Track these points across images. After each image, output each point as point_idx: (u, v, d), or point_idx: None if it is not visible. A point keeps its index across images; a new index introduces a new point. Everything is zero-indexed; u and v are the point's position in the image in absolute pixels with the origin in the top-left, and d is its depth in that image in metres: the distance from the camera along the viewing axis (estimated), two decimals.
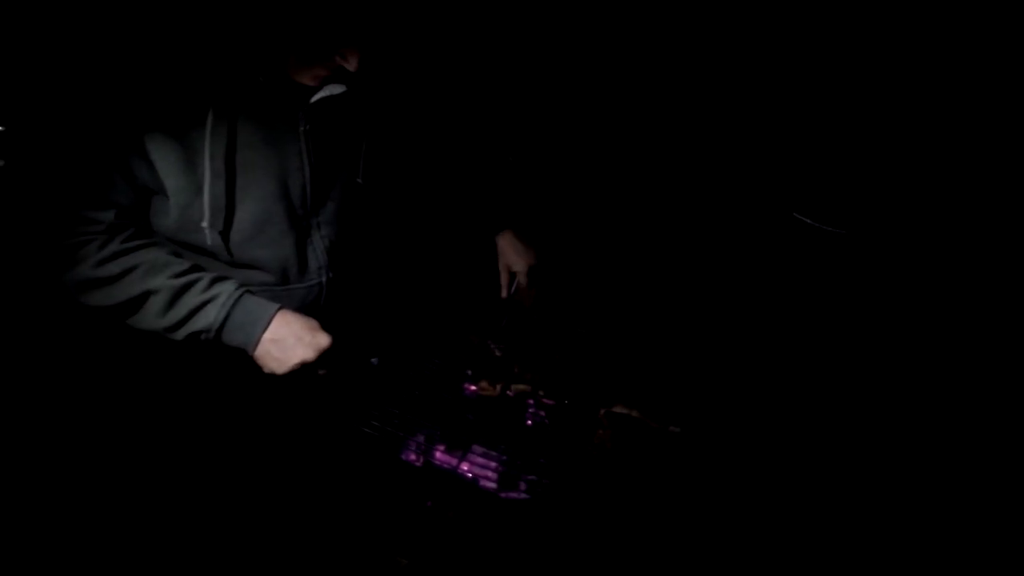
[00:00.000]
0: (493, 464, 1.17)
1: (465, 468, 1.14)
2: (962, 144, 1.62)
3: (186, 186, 0.85)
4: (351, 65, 0.80)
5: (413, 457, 1.16)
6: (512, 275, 1.37)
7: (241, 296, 0.93)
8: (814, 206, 1.83)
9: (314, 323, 0.98)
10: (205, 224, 0.88)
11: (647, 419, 1.41)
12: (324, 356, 0.97)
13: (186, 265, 0.92)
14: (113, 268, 0.87)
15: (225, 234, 0.91)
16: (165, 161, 0.83)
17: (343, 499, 1.05)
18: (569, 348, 1.56)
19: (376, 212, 1.14)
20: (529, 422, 1.30)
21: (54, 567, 0.95)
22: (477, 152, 1.39)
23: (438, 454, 1.17)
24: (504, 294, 1.36)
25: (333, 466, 1.10)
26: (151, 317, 0.89)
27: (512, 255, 1.33)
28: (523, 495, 1.10)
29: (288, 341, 0.94)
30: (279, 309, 0.95)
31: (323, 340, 0.96)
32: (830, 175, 1.82)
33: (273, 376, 0.97)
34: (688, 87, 1.86)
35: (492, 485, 1.12)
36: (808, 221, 1.86)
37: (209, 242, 0.91)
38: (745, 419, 1.49)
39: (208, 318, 0.91)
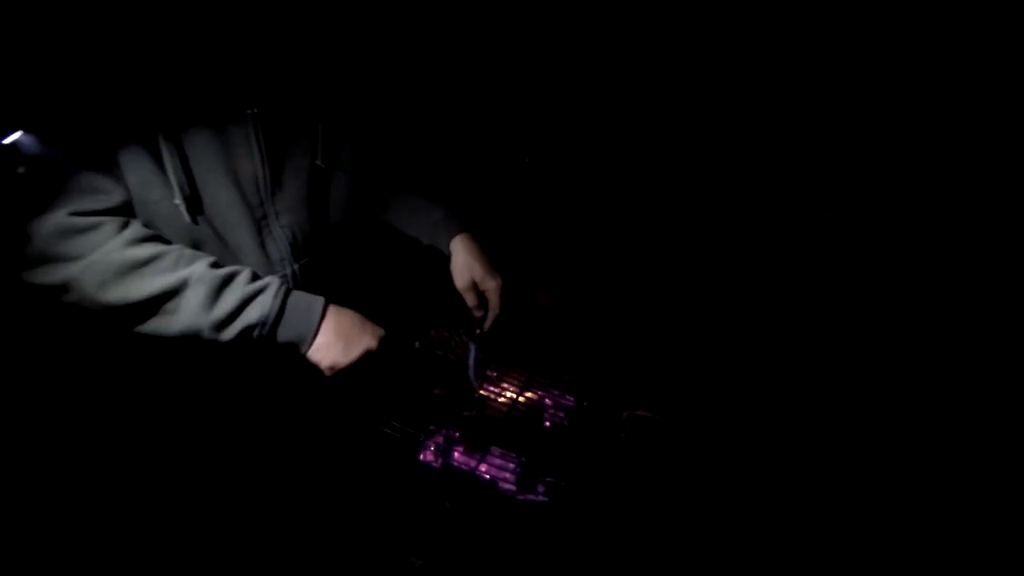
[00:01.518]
0: (511, 466, 1.15)
1: (483, 470, 1.14)
2: (964, 136, 1.56)
3: (150, 168, 0.81)
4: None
5: (431, 458, 1.15)
6: (480, 293, 1.18)
7: (289, 289, 0.90)
8: (825, 200, 1.79)
9: (360, 315, 0.96)
10: (179, 200, 0.83)
11: (669, 423, 1.38)
12: (383, 344, 0.95)
13: (213, 256, 0.88)
14: (142, 251, 0.80)
15: (197, 216, 0.87)
16: (127, 152, 0.79)
17: (361, 499, 1.05)
18: (589, 350, 1.54)
19: (341, 197, 1.06)
20: (547, 423, 1.28)
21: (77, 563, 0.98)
22: (441, 144, 1.32)
23: (456, 455, 1.17)
24: (477, 315, 1.18)
25: (352, 466, 1.10)
26: (193, 312, 0.81)
27: (480, 270, 1.13)
28: (541, 497, 1.09)
29: (351, 332, 0.91)
30: (327, 300, 0.92)
31: (379, 328, 0.95)
32: (837, 168, 1.77)
33: (333, 370, 0.92)
34: (692, 82, 1.83)
35: (510, 487, 1.11)
36: (827, 215, 1.81)
37: (185, 219, 0.85)
38: (762, 420, 1.45)
39: (263, 308, 0.85)
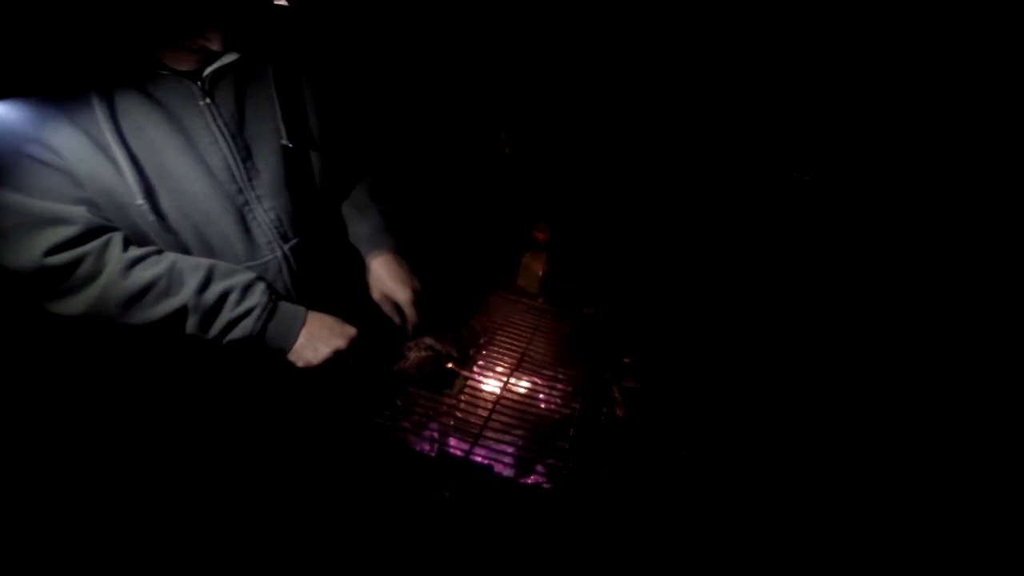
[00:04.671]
0: (509, 450, 1.15)
1: (479, 456, 1.13)
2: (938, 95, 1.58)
3: (105, 174, 0.82)
4: (215, 45, 0.78)
5: (427, 448, 1.14)
6: (394, 304, 1.20)
7: (275, 307, 0.97)
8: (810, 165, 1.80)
9: (339, 319, 1.03)
10: (141, 201, 0.85)
11: (657, 392, 1.40)
12: (354, 344, 1.02)
13: (203, 269, 0.91)
14: (136, 280, 0.86)
15: (160, 213, 0.88)
16: (75, 157, 0.80)
17: (363, 496, 1.03)
18: (577, 324, 1.53)
19: (318, 175, 1.08)
20: (542, 405, 1.28)
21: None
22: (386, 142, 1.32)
23: (452, 442, 1.15)
24: (397, 322, 1.21)
25: (349, 462, 1.08)
26: (189, 330, 0.91)
27: (389, 284, 1.16)
28: (544, 482, 1.09)
29: (322, 334, 1.00)
30: (308, 311, 1.01)
31: (351, 330, 1.03)
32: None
33: (307, 367, 1.00)
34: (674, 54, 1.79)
35: (509, 472, 1.10)
36: (806, 179, 1.83)
37: (151, 218, 0.87)
38: (747, 387, 1.49)
39: (245, 329, 0.94)
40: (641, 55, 1.83)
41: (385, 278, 1.16)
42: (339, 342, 1.00)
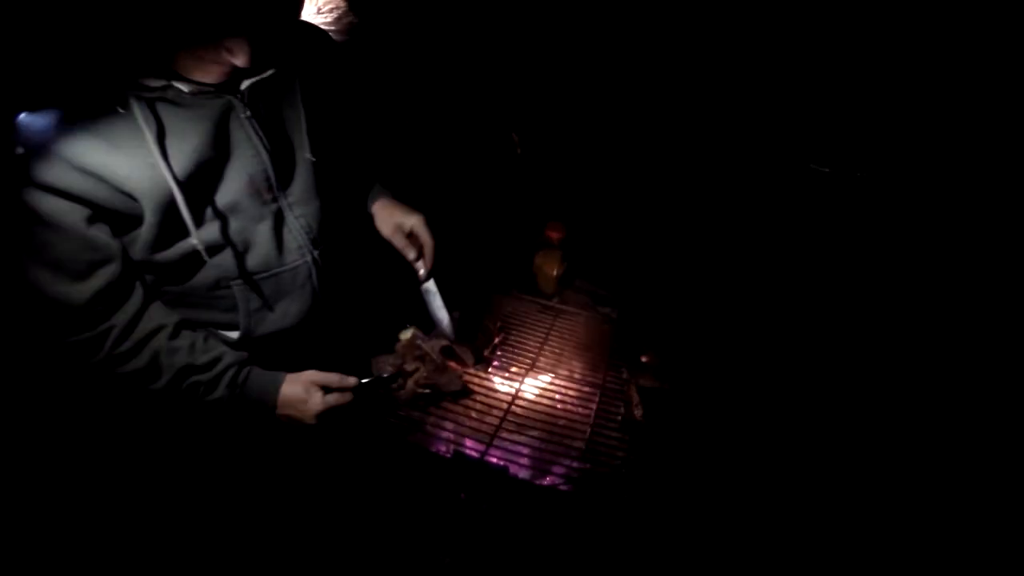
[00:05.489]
0: (524, 451, 1.14)
1: (494, 457, 1.12)
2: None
3: (160, 205, 0.84)
4: (241, 60, 0.79)
5: (443, 448, 1.13)
6: (408, 235, 1.18)
7: (241, 391, 0.96)
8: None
9: (305, 383, 0.98)
10: (195, 241, 0.87)
11: (676, 392, 1.37)
12: (330, 411, 0.98)
13: (178, 362, 0.92)
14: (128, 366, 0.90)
15: (198, 219, 0.89)
16: (136, 190, 0.81)
17: (379, 497, 1.03)
18: (594, 324, 1.52)
19: (342, 186, 1.12)
20: (558, 406, 1.27)
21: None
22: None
23: (467, 442, 1.15)
24: (411, 257, 1.17)
25: (362, 462, 1.08)
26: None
27: (399, 212, 1.18)
28: (560, 483, 1.08)
29: (294, 416, 0.99)
30: (278, 395, 0.98)
31: (314, 405, 0.97)
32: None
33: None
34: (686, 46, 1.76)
35: (524, 473, 1.10)
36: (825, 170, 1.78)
37: (207, 257, 0.90)
38: (769, 389, 1.45)
39: (218, 406, 0.96)
40: (655, 48, 1.81)
41: (393, 210, 1.19)
42: (308, 421, 0.98)
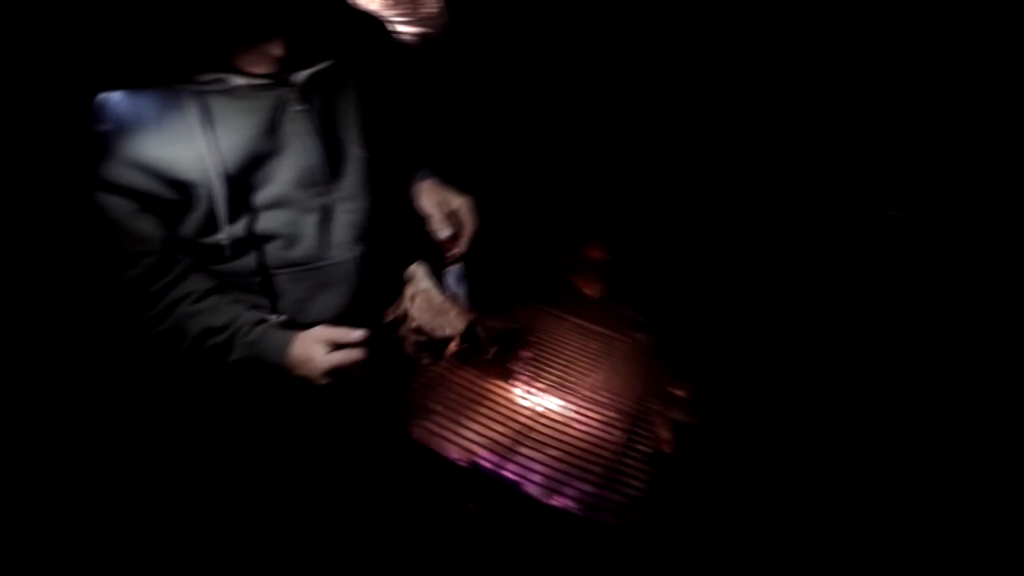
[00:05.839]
0: (541, 469, 1.09)
1: (511, 471, 1.08)
2: None
3: (207, 196, 0.87)
4: (279, 50, 0.82)
5: (457, 455, 1.11)
6: (449, 214, 1.09)
7: (255, 352, 0.94)
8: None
9: (310, 340, 0.92)
10: (223, 237, 0.89)
11: (711, 430, 1.29)
12: (340, 371, 0.91)
13: (199, 324, 0.92)
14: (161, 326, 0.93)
15: (242, 230, 0.92)
16: (178, 178, 0.84)
17: (383, 496, 1.01)
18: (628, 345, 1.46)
19: (389, 182, 1.09)
20: (579, 426, 1.21)
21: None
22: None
23: (484, 453, 1.12)
24: (444, 234, 1.08)
25: (372, 462, 1.07)
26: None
27: (446, 193, 1.11)
28: (573, 508, 1.02)
29: (306, 377, 0.93)
30: (288, 355, 0.93)
31: (320, 363, 0.90)
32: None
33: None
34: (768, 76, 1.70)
35: (538, 491, 1.05)
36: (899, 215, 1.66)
37: (229, 254, 0.92)
38: (818, 431, 1.34)
39: (241, 370, 0.95)
40: (723, 68, 1.75)
41: (442, 189, 1.12)
42: (316, 379, 0.92)
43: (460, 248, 1.08)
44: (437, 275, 1.07)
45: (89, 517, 1.10)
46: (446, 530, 0.97)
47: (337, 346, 0.90)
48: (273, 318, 0.97)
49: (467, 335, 1.03)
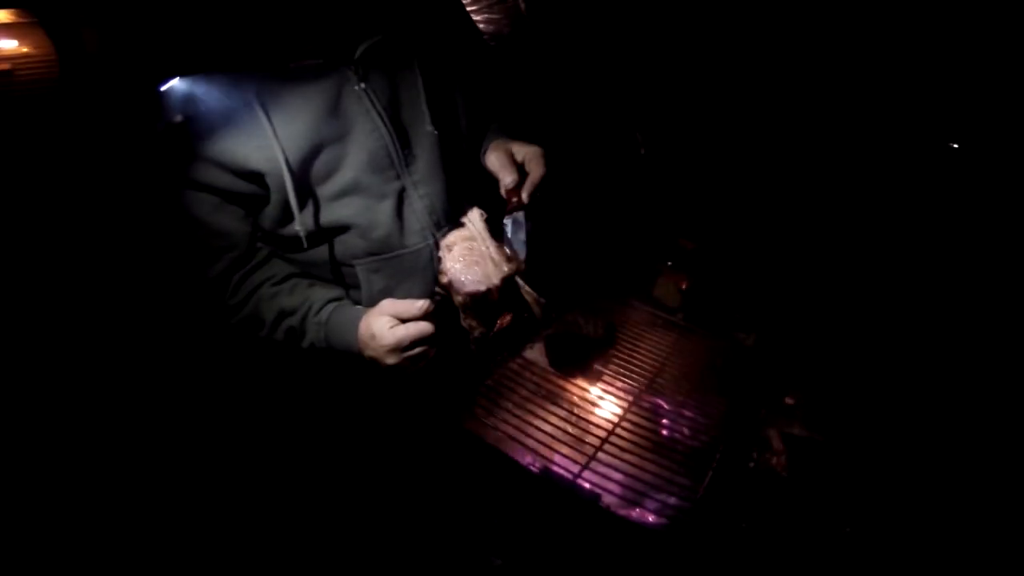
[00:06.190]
0: (621, 478, 0.98)
1: (586, 480, 0.98)
2: None
3: (280, 185, 0.85)
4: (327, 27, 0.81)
5: (529, 459, 1.03)
6: (516, 164, 0.99)
7: (326, 334, 0.93)
8: None
9: (374, 315, 0.87)
10: (298, 227, 0.87)
11: (835, 446, 1.08)
12: (408, 346, 0.85)
13: (275, 307, 0.92)
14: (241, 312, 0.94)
15: (316, 220, 0.90)
16: (253, 173, 0.84)
17: (444, 493, 0.97)
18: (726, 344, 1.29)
19: (465, 161, 1.02)
20: (665, 432, 1.08)
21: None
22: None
23: (558, 458, 1.03)
24: (508, 180, 0.96)
25: (443, 461, 1.03)
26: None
27: (514, 144, 1.01)
28: (655, 519, 0.89)
29: (374, 358, 0.88)
30: (357, 334, 0.89)
31: (384, 340, 0.84)
32: None
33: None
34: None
35: (617, 503, 0.93)
36: None
37: (306, 246, 0.90)
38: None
39: (317, 353, 0.95)
40: (799, 46, 1.53)
41: (507, 141, 1.03)
42: (385, 360, 0.86)
43: (523, 196, 0.97)
44: (497, 224, 0.95)
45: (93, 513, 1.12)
46: (510, 530, 0.89)
47: (402, 321, 0.84)
48: (346, 300, 0.95)
49: (508, 295, 0.89)
